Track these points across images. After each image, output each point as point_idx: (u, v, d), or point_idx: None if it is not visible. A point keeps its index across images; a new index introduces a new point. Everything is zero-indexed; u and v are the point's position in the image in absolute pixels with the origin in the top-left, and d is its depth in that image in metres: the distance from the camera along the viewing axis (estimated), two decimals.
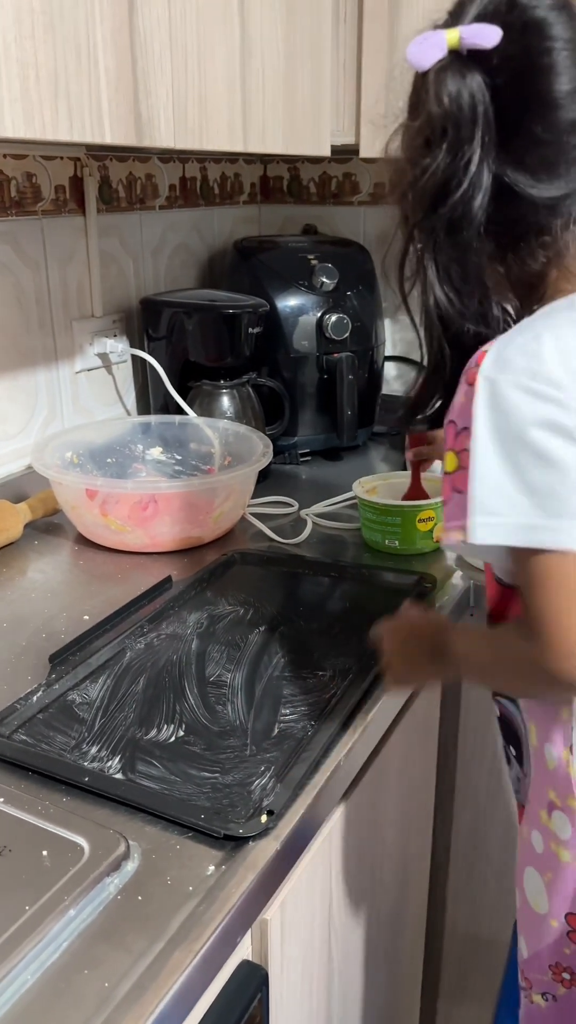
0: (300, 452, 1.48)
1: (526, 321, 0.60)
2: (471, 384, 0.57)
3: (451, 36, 0.57)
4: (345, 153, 1.30)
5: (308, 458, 1.50)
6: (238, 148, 1.02)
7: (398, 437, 1.60)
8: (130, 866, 0.61)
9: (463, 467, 0.57)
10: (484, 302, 0.63)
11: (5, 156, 1.14)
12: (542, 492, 0.54)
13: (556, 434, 0.54)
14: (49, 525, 1.21)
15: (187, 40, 0.89)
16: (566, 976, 0.64)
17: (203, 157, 1.55)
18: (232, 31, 0.97)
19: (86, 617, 0.97)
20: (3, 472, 1.23)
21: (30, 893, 0.57)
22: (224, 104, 0.98)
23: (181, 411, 1.35)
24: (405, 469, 1.41)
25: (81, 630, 0.92)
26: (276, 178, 1.74)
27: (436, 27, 0.60)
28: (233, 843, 0.63)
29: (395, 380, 1.70)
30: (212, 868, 0.61)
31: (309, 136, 1.18)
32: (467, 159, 0.57)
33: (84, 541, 1.16)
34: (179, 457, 1.32)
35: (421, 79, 0.60)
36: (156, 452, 1.33)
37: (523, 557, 0.57)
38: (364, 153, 1.28)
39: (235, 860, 0.61)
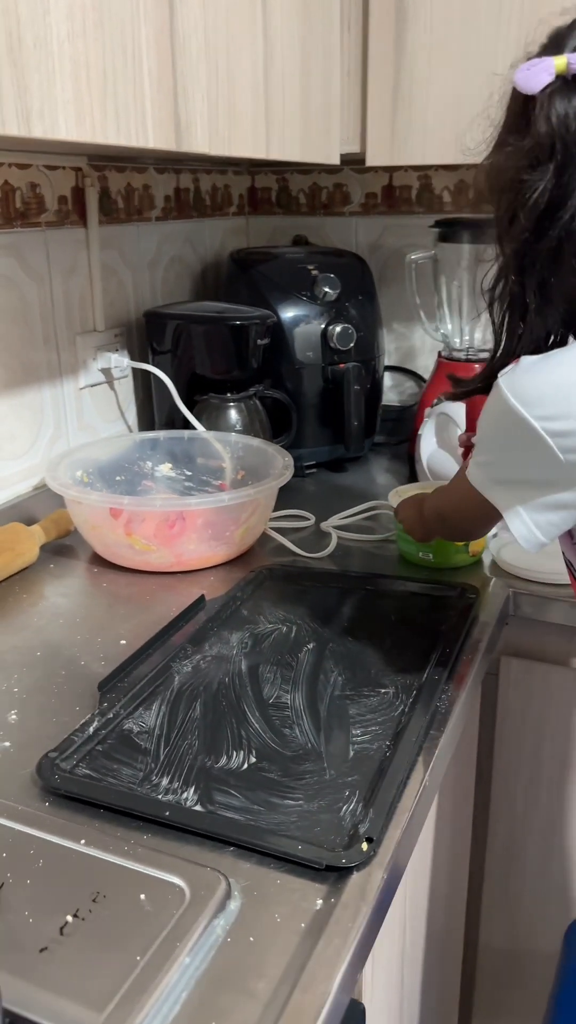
0: (305, 464, 1.45)
1: None
2: None
3: (559, 62, 0.62)
4: (351, 163, 1.29)
5: (313, 470, 1.48)
6: (261, 155, 1.00)
7: (400, 447, 1.59)
8: (233, 905, 0.57)
9: None
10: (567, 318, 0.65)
11: (11, 165, 1.10)
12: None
13: None
14: (61, 547, 1.16)
15: (218, 44, 0.87)
16: None
17: (196, 168, 1.52)
18: (256, 36, 0.95)
19: (123, 642, 0.93)
20: (12, 493, 1.18)
21: (138, 942, 0.53)
22: (249, 110, 0.96)
23: (188, 426, 1.31)
24: (410, 479, 1.40)
25: (121, 655, 0.88)
26: (264, 189, 1.72)
27: (539, 55, 0.65)
28: (336, 874, 0.59)
29: (391, 390, 1.69)
30: (320, 902, 0.57)
31: (321, 144, 1.16)
32: (573, 179, 0.61)
33: (102, 562, 1.11)
34: (189, 473, 1.29)
35: (525, 103, 0.65)
36: (166, 468, 1.29)
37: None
38: (371, 162, 1.27)
39: (342, 891, 0.58)
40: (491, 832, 1.17)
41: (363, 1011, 0.63)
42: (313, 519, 1.25)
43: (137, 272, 1.39)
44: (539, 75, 0.62)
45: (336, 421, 1.44)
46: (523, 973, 1.22)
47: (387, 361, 1.67)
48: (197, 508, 1.02)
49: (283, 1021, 0.49)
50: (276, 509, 1.25)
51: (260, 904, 0.57)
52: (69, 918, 0.55)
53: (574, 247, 0.62)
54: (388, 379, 1.68)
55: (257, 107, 0.97)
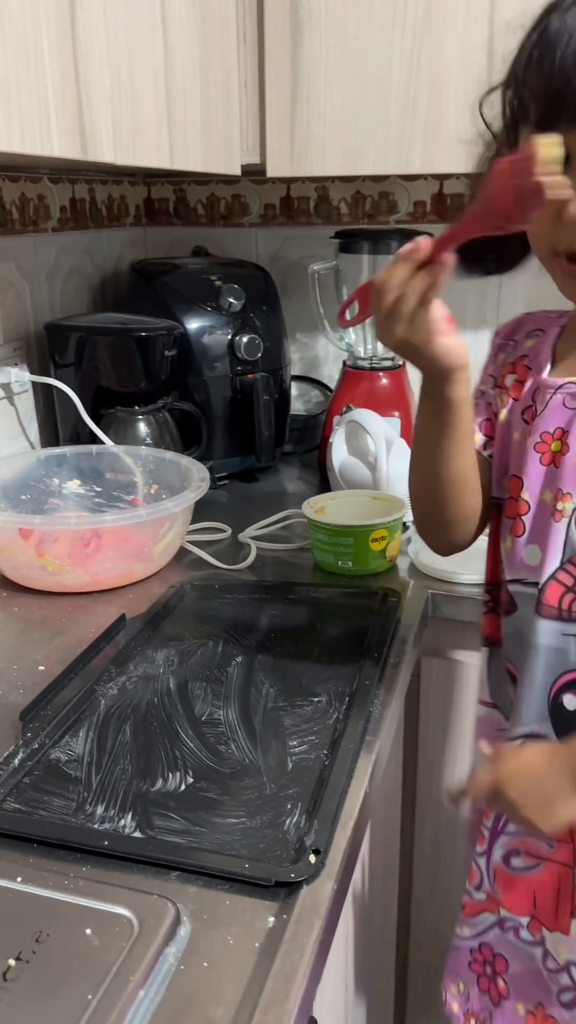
0: (217, 476, 1.44)
1: None
2: None
3: None
4: (251, 174, 1.30)
5: (225, 481, 1.47)
6: (165, 165, 0.99)
7: (309, 455, 1.60)
8: (183, 931, 0.56)
9: None
10: None
11: None
12: None
13: None
14: None
15: (120, 53, 0.85)
16: None
17: (91, 177, 1.49)
18: (157, 47, 0.94)
19: (41, 668, 0.89)
20: None
21: (88, 979, 0.51)
22: (153, 120, 0.94)
23: (95, 440, 1.28)
24: (321, 487, 1.41)
25: (41, 682, 0.85)
26: (161, 200, 1.70)
27: None
28: (286, 889, 0.59)
29: (296, 400, 1.70)
30: (272, 919, 0.57)
31: (223, 155, 1.16)
32: None
33: (12, 585, 1.07)
34: (99, 489, 1.26)
35: None
36: (74, 485, 1.25)
37: None
38: (271, 173, 1.27)
39: (294, 906, 0.58)
40: (418, 830, 1.19)
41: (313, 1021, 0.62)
42: (229, 531, 1.24)
43: (35, 284, 1.35)
44: None
45: (246, 432, 1.43)
46: None
47: (292, 371, 1.68)
48: (114, 525, 1.00)
49: None
50: (191, 522, 1.23)
51: (211, 927, 0.56)
52: (12, 962, 0.52)
53: None
54: (294, 389, 1.69)
55: (160, 117, 0.96)
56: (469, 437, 0.71)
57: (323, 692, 0.83)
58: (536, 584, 0.69)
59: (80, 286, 1.50)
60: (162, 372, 1.31)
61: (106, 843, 0.62)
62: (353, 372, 1.49)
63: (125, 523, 1.00)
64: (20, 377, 1.28)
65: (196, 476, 1.12)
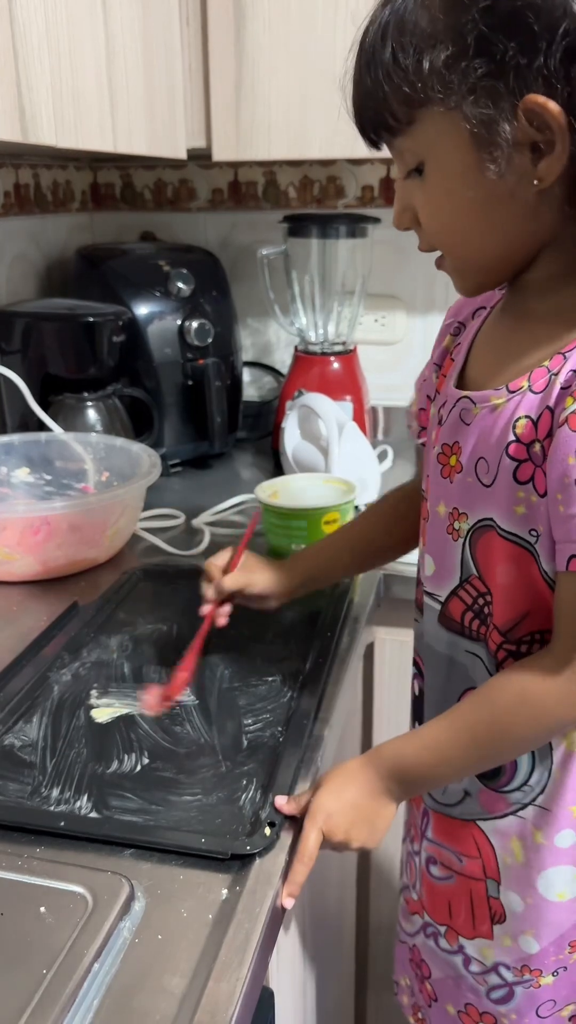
0: (170, 463, 1.44)
1: None
2: None
3: None
4: (197, 158, 1.29)
5: (179, 468, 1.47)
6: (108, 148, 0.98)
7: (262, 441, 1.61)
8: (138, 906, 0.56)
9: None
10: None
11: None
12: None
13: None
14: None
15: (60, 36, 0.84)
16: None
17: (35, 162, 1.47)
18: (97, 30, 0.93)
19: None
20: None
21: (42, 955, 0.51)
22: (95, 103, 0.94)
23: (43, 428, 1.27)
24: (275, 472, 1.42)
25: None
26: (107, 185, 1.68)
27: None
28: (240, 863, 0.60)
29: (249, 386, 1.70)
30: (225, 891, 0.58)
31: (167, 139, 1.15)
32: None
33: None
34: (48, 477, 1.25)
35: None
36: (23, 473, 1.24)
37: None
38: (217, 157, 1.27)
39: (247, 878, 0.59)
40: None
41: (271, 996, 0.63)
42: (183, 517, 1.24)
43: None
44: None
45: (198, 418, 1.43)
46: None
47: (244, 357, 1.69)
48: (63, 512, 0.99)
49: (200, 1013, 0.49)
50: (144, 509, 1.23)
51: (165, 902, 0.57)
52: None
53: None
54: (246, 375, 1.69)
55: (102, 100, 0.95)
56: None
57: (277, 672, 0.84)
58: (436, 596, 0.69)
59: (26, 272, 1.48)
60: (111, 358, 1.30)
61: (63, 824, 0.63)
62: (304, 357, 1.49)
63: (74, 510, 1.00)
64: None
65: (147, 462, 1.12)
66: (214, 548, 1.14)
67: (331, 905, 1.00)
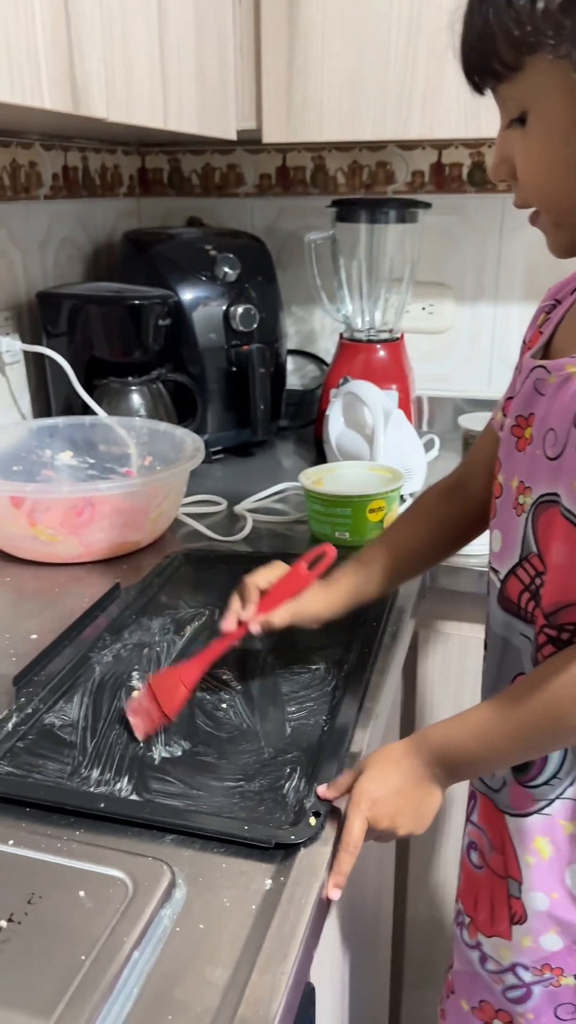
0: (212, 449, 1.43)
1: None
2: None
3: None
4: (246, 143, 1.27)
5: (220, 455, 1.45)
6: (159, 125, 0.97)
7: (305, 430, 1.59)
8: (179, 894, 0.55)
9: None
10: None
11: None
12: None
13: None
14: None
15: (113, 11, 0.83)
16: None
17: (84, 145, 1.46)
18: (150, 8, 0.91)
19: (33, 636, 0.88)
20: None
21: (82, 941, 0.50)
22: (146, 78, 0.92)
23: (87, 411, 1.26)
24: (317, 461, 1.40)
25: (34, 650, 0.83)
26: (155, 170, 1.67)
27: None
28: (284, 852, 0.58)
29: (292, 374, 1.68)
30: (269, 881, 0.56)
31: (218, 119, 1.13)
32: None
33: (4, 556, 1.06)
34: (92, 460, 1.24)
35: None
36: (66, 456, 1.24)
37: None
38: (267, 139, 1.25)
39: (291, 869, 0.57)
40: None
41: (313, 991, 0.61)
42: (225, 503, 1.23)
43: (27, 253, 1.33)
44: None
45: (241, 405, 1.42)
46: (448, 944, 1.24)
47: (288, 345, 1.67)
48: (107, 494, 0.98)
49: (244, 1006, 0.47)
50: (186, 495, 1.22)
51: (207, 890, 0.55)
52: (3, 923, 0.51)
53: None
54: (290, 363, 1.67)
55: (153, 76, 0.94)
56: None
57: (321, 660, 0.82)
58: (499, 573, 0.67)
59: (73, 256, 1.47)
60: (156, 342, 1.29)
61: (102, 805, 0.61)
62: (350, 344, 1.47)
63: (118, 492, 0.99)
64: (11, 347, 1.26)
65: (191, 447, 1.11)
66: (256, 535, 1.13)
67: (369, 898, 0.98)
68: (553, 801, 0.62)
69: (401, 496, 1.14)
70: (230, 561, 1.05)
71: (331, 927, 0.74)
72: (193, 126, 1.05)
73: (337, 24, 1.18)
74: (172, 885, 0.54)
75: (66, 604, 0.94)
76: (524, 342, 0.71)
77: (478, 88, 0.58)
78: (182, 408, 1.39)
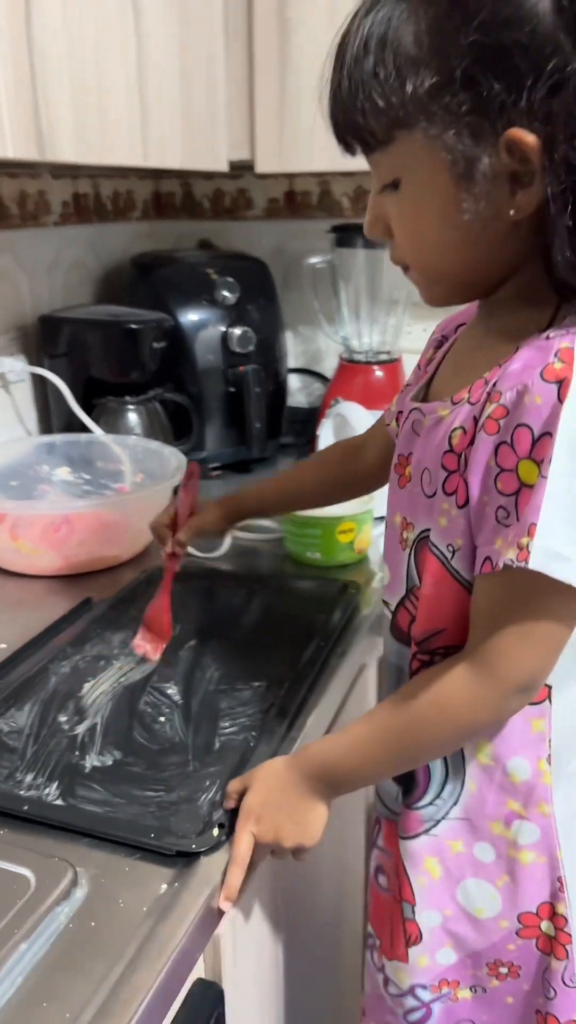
0: (211, 467, 1.47)
1: None
2: (557, 383, 0.51)
3: None
4: (241, 169, 1.32)
5: (218, 472, 1.49)
6: (138, 163, 1.02)
7: (307, 447, 1.62)
8: (79, 893, 0.59)
9: (543, 476, 0.51)
10: None
11: None
12: None
13: None
14: None
15: (85, 54, 0.88)
16: (503, 970, 0.66)
17: (95, 173, 1.53)
18: (128, 46, 0.96)
19: (3, 645, 0.93)
20: None
21: None
22: (124, 118, 0.97)
23: (86, 429, 1.32)
24: None
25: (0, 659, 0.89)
26: (168, 194, 1.73)
27: None
28: (185, 860, 0.61)
29: (298, 392, 1.72)
30: (165, 886, 0.59)
31: (206, 151, 1.18)
32: None
33: None
34: (88, 476, 1.30)
35: None
36: (63, 472, 1.29)
37: (509, 580, 0.54)
38: (260, 168, 1.29)
39: (188, 876, 0.60)
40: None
41: (220, 992, 0.65)
42: None
43: (34, 277, 1.39)
44: None
45: (240, 423, 1.46)
46: None
47: (294, 363, 1.71)
48: (83, 511, 1.03)
49: (113, 998, 0.51)
50: None
51: (106, 891, 0.59)
52: None
53: None
54: (297, 381, 1.71)
55: (132, 116, 0.99)
56: None
57: (265, 677, 0.85)
58: (390, 605, 0.69)
59: (83, 279, 1.54)
60: (152, 363, 1.34)
61: (26, 808, 0.66)
62: (348, 366, 1.50)
63: (94, 510, 1.04)
64: (13, 367, 1.32)
65: (174, 465, 1.15)
66: (236, 552, 1.17)
67: (326, 913, 1.00)
68: (439, 822, 0.64)
69: (375, 518, 1.16)
70: (205, 578, 1.09)
71: (266, 933, 0.77)
72: (177, 161, 1.10)
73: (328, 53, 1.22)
74: (73, 884, 0.58)
75: (40, 615, 0.99)
76: (419, 366, 0.74)
77: (349, 151, 0.60)
78: (181, 426, 1.44)
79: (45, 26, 0.81)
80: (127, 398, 1.35)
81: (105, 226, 1.59)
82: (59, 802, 0.68)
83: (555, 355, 0.52)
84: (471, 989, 0.68)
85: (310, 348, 1.72)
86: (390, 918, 0.69)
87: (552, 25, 0.49)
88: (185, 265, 1.48)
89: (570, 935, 0.63)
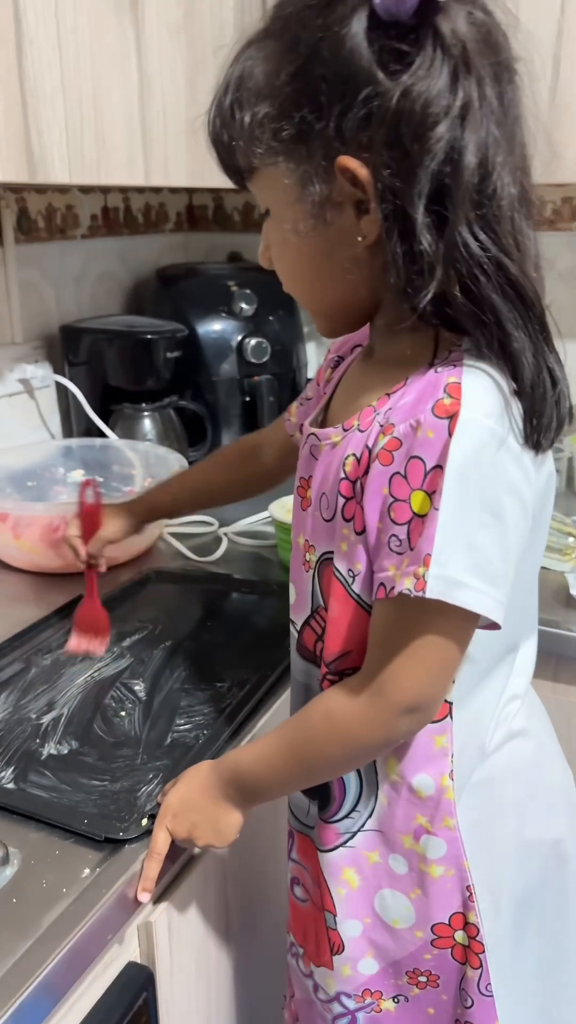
0: None
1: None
2: (447, 418, 0.52)
3: None
4: None
5: None
6: (139, 182, 1.06)
7: None
8: (8, 871, 0.63)
9: (435, 508, 0.53)
10: None
11: None
12: (483, 554, 0.53)
13: (519, 506, 0.55)
14: None
15: (81, 82, 0.93)
16: (422, 979, 0.67)
17: (125, 188, 1.59)
18: (129, 72, 1.01)
19: None
20: None
21: None
22: (123, 140, 1.02)
23: (104, 434, 1.38)
24: None
25: None
26: (201, 207, 1.78)
27: None
28: (112, 846, 0.65)
29: None
30: (88, 871, 0.63)
31: (213, 169, 1.21)
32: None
33: (1, 564, 1.18)
34: (101, 479, 1.35)
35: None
36: (78, 475, 1.35)
37: (403, 606, 0.55)
38: None
39: (112, 863, 0.64)
40: None
41: (149, 975, 0.68)
42: (216, 524, 1.31)
43: (60, 288, 1.46)
44: None
45: (253, 431, 1.49)
46: None
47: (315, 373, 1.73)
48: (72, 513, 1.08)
49: (13, 969, 0.55)
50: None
51: (33, 872, 0.63)
52: None
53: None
54: None
55: (132, 137, 1.03)
56: None
57: (228, 679, 0.88)
58: (296, 624, 0.71)
59: (112, 290, 1.60)
60: (166, 372, 1.39)
61: None
62: None
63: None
64: (36, 373, 1.39)
65: (175, 470, 1.19)
66: (233, 558, 1.20)
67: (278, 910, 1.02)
68: (356, 834, 0.66)
69: None
70: (197, 581, 1.13)
71: (208, 920, 0.80)
72: (182, 180, 1.14)
73: None
74: (3, 863, 0.63)
75: (34, 610, 1.05)
76: (316, 382, 0.77)
77: (232, 181, 0.63)
78: (197, 433, 1.49)
79: (37, 61, 0.87)
80: (143, 405, 1.41)
81: (136, 238, 1.65)
82: (11, 785, 0.72)
83: (444, 390, 0.54)
84: (394, 999, 0.70)
85: None
86: (314, 926, 0.71)
87: (364, 58, 0.51)
88: (206, 277, 1.53)
89: (482, 943, 0.64)
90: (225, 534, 1.26)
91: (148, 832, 0.66)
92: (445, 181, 0.51)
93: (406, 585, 0.54)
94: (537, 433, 0.55)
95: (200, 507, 1.10)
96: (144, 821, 0.67)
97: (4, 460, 1.28)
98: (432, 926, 0.65)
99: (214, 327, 1.47)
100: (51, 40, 0.88)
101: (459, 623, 0.56)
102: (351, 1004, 0.70)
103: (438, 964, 0.67)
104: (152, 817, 0.67)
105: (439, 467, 0.53)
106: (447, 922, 0.65)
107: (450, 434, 0.52)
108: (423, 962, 0.67)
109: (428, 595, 0.53)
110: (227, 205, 1.76)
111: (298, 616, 0.70)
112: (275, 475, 0.93)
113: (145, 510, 0.97)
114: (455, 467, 0.52)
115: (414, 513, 0.54)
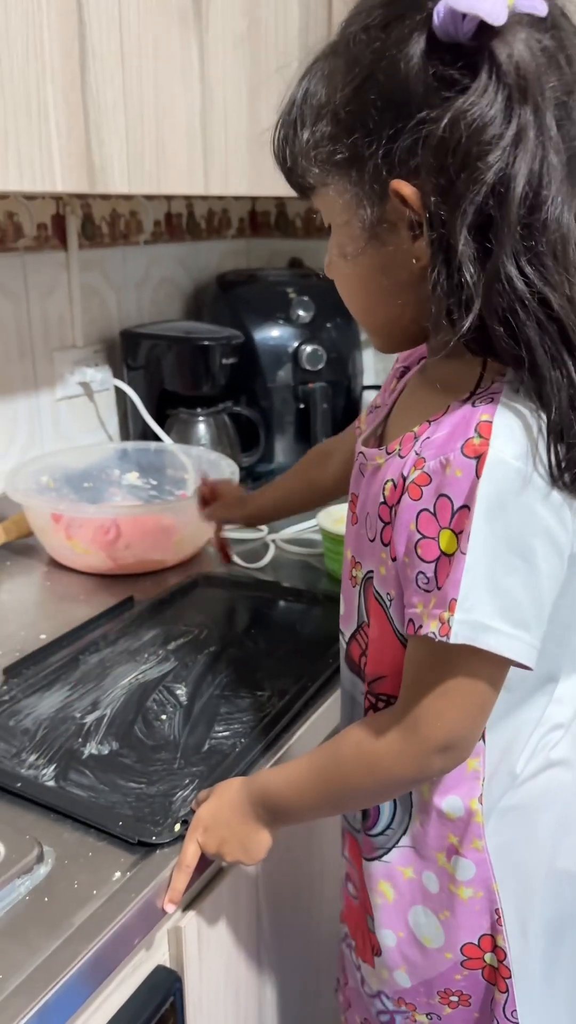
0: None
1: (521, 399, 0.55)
2: (475, 458, 0.52)
3: None
4: None
5: None
6: (199, 191, 1.08)
7: None
8: (42, 870, 0.64)
9: (462, 551, 0.52)
10: None
11: None
12: (511, 598, 0.53)
13: (552, 548, 0.53)
14: (24, 547, 1.25)
15: (143, 94, 0.95)
16: (454, 999, 0.67)
17: (189, 195, 1.61)
18: (191, 82, 1.02)
19: (43, 636, 1.01)
20: None
21: None
22: (183, 151, 1.03)
23: (159, 438, 1.40)
24: None
25: (38, 647, 0.96)
26: (264, 213, 1.80)
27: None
28: (145, 850, 0.66)
29: None
30: (119, 873, 0.64)
31: (274, 178, 1.22)
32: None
33: (54, 563, 1.21)
34: (155, 482, 1.37)
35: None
36: (132, 477, 1.38)
37: (434, 645, 0.54)
38: None
39: (143, 866, 0.65)
40: None
41: (177, 979, 0.69)
42: (266, 531, 1.31)
43: (122, 293, 1.49)
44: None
45: (307, 438, 1.50)
46: None
47: (373, 380, 1.72)
48: (127, 516, 1.10)
49: (41, 967, 0.56)
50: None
51: (66, 871, 0.64)
52: None
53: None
54: (370, 398, 1.73)
55: (193, 147, 1.05)
56: None
57: (269, 687, 0.89)
58: (344, 635, 0.71)
59: (172, 295, 1.62)
60: (221, 378, 1.40)
61: (19, 785, 0.72)
62: None
63: (137, 515, 1.10)
64: (96, 377, 1.42)
65: (227, 475, 1.20)
66: (280, 565, 1.21)
67: (318, 917, 1.02)
68: (391, 850, 0.66)
69: None
70: (244, 588, 1.14)
71: (240, 927, 0.80)
72: (243, 188, 1.15)
73: None
74: (38, 861, 0.64)
75: (85, 610, 1.07)
76: (385, 390, 0.75)
77: (298, 194, 0.63)
78: (252, 439, 1.50)
79: (100, 74, 0.88)
80: (198, 410, 1.42)
81: (198, 244, 1.67)
82: (51, 783, 0.74)
83: (475, 429, 0.53)
84: (427, 1016, 0.69)
85: (388, 365, 1.73)
86: (362, 924, 0.72)
87: (417, 83, 0.50)
88: (266, 284, 1.54)
89: (509, 968, 0.63)
90: (273, 541, 1.27)
91: (180, 838, 0.67)
92: (491, 213, 0.50)
93: (431, 628, 0.54)
94: (569, 473, 0.53)
95: (279, 515, 1.07)
96: (177, 827, 0.68)
97: (63, 460, 1.31)
98: (461, 947, 0.65)
99: (271, 334, 1.47)
100: (114, 51, 0.90)
101: (489, 666, 0.55)
102: (390, 1005, 0.70)
103: (469, 984, 0.66)
104: (185, 823, 0.68)
105: (466, 507, 0.52)
106: (476, 943, 0.64)
107: (477, 475, 0.52)
108: (454, 982, 0.66)
109: (452, 640, 0.53)
110: (289, 211, 1.76)
111: (346, 628, 0.70)
112: (334, 489, 0.93)
113: (257, 507, 1.03)
114: (482, 509, 0.52)
115: (442, 551, 0.54)
